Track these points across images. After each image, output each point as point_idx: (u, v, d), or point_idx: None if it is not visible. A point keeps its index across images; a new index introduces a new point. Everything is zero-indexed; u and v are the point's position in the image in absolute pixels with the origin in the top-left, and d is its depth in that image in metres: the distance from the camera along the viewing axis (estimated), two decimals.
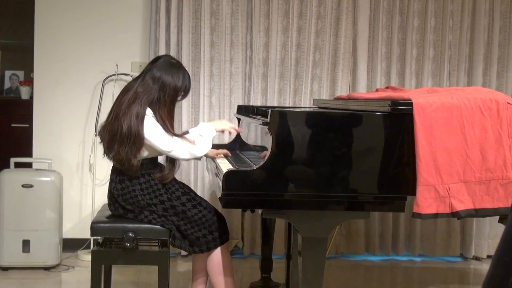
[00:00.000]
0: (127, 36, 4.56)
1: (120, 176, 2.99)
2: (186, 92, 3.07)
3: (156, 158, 3.07)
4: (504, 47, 4.65)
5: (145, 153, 2.96)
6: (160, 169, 3.03)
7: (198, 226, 2.95)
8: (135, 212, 2.97)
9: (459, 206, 2.56)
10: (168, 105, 2.96)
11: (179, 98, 3.05)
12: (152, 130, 2.89)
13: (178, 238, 2.97)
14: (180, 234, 2.97)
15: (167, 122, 2.93)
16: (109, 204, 3.08)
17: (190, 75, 4.41)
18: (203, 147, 2.97)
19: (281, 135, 2.50)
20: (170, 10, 4.42)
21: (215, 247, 2.98)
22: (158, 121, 2.92)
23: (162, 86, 2.95)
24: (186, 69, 4.41)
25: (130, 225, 2.94)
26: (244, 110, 3.81)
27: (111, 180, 3.04)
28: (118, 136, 2.89)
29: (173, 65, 3.03)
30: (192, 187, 4.39)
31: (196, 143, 2.95)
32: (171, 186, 3.02)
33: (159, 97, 2.94)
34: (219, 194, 2.64)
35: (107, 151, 2.98)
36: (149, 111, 2.92)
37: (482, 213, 2.64)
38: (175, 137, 2.93)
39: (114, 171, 3.04)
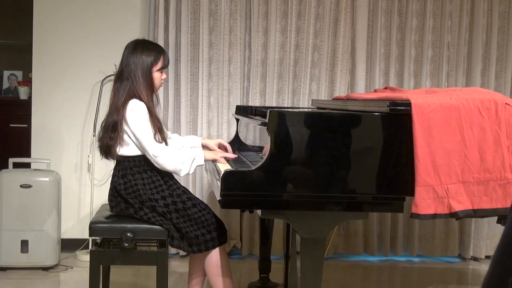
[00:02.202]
0: (125, 36, 4.54)
1: (123, 171, 3.00)
2: (157, 59, 3.04)
3: None
4: (503, 48, 4.66)
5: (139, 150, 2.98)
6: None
7: (197, 225, 2.95)
8: (135, 207, 2.97)
9: (457, 207, 2.56)
10: (145, 81, 2.98)
11: (157, 67, 3.04)
12: (137, 118, 2.92)
13: (176, 238, 2.97)
14: (179, 234, 2.97)
15: (156, 121, 2.95)
16: (110, 200, 3.08)
17: (189, 75, 4.48)
18: (186, 171, 2.96)
19: (279, 135, 2.50)
20: (168, 10, 4.42)
21: (214, 247, 2.97)
22: (151, 122, 2.94)
23: (134, 66, 2.98)
24: (185, 69, 4.45)
25: (129, 225, 2.94)
26: (243, 111, 3.81)
27: (114, 175, 3.05)
28: (104, 123, 3.01)
29: (136, 45, 3.05)
30: (190, 187, 4.41)
31: (185, 163, 2.94)
32: (173, 184, 3.03)
33: (134, 78, 2.97)
34: (217, 195, 2.64)
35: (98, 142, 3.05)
36: (136, 103, 2.94)
37: (481, 214, 2.64)
38: (164, 146, 2.96)
39: (117, 166, 3.05)
